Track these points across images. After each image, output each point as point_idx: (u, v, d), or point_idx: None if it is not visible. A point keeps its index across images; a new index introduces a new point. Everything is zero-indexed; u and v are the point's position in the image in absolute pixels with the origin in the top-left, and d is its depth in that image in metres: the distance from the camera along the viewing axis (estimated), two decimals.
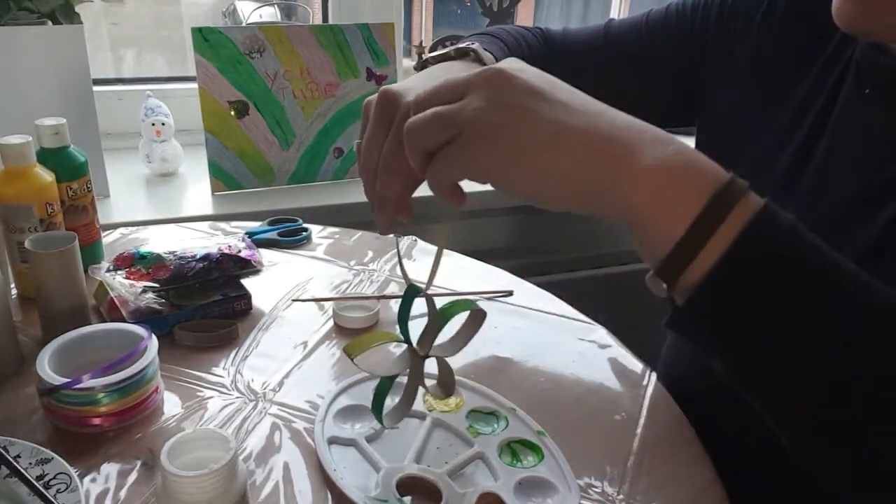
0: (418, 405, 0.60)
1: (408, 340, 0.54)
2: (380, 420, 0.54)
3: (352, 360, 0.51)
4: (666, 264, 0.41)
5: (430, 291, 0.52)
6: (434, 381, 0.57)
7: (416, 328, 0.54)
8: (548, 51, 0.79)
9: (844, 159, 0.58)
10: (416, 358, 0.54)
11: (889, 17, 0.50)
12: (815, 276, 0.40)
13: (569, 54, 0.80)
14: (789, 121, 0.64)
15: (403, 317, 0.53)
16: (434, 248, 0.93)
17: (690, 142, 0.77)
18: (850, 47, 0.61)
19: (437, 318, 0.52)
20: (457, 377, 0.64)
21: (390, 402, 0.61)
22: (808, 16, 0.65)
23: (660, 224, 0.41)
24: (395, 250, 0.92)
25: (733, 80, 0.70)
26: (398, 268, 0.52)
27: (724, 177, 0.41)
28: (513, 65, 0.44)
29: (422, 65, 0.70)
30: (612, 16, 1.77)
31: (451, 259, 0.88)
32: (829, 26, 0.63)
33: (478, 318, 0.54)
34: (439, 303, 0.53)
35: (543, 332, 0.75)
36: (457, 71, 0.65)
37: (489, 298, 0.81)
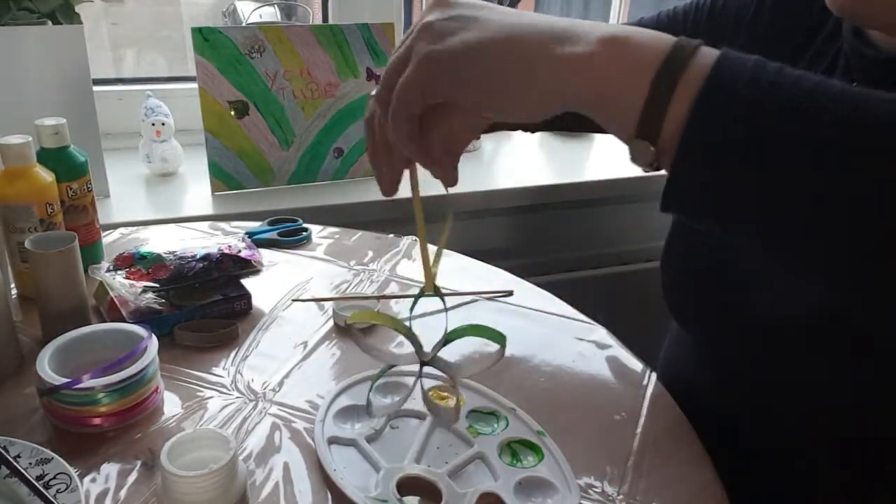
0: (418, 405, 0.60)
1: (411, 336, 0.54)
2: (369, 403, 0.55)
3: (347, 325, 0.51)
4: (641, 119, 0.40)
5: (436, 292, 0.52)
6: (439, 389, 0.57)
7: (420, 327, 0.54)
8: None
9: None
10: (418, 360, 0.55)
11: (880, 2, 0.50)
12: (797, 95, 0.37)
13: None
14: None
15: (410, 310, 0.54)
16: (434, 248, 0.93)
17: None
18: (837, 41, 0.61)
19: (447, 331, 0.53)
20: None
21: (391, 402, 0.61)
22: (795, 11, 0.66)
23: (624, 83, 0.40)
24: (397, 250, 0.92)
25: None
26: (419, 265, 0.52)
27: (670, 39, 0.40)
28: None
29: None
30: (612, 16, 1.77)
31: (452, 259, 0.88)
32: (817, 21, 0.64)
33: (498, 356, 0.53)
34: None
35: (543, 332, 0.75)
36: None
37: (489, 298, 0.81)
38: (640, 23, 0.78)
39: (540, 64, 0.41)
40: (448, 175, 0.49)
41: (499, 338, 0.52)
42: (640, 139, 0.40)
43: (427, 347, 0.55)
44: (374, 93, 0.53)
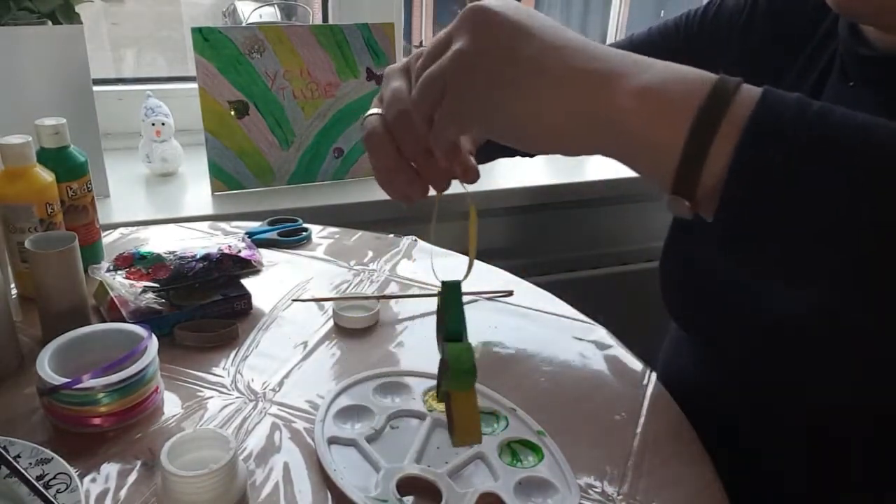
0: (418, 405, 0.60)
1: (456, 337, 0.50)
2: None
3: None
4: (677, 178, 0.39)
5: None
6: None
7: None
8: None
9: None
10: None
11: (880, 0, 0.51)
12: (839, 145, 0.37)
13: None
14: None
15: (457, 316, 0.49)
16: (433, 248, 0.93)
17: None
18: (832, 43, 0.61)
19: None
20: None
21: (390, 402, 0.61)
22: (789, 15, 0.66)
23: (658, 139, 0.39)
24: (397, 250, 0.92)
25: None
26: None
27: (712, 77, 0.39)
28: (493, 1, 0.44)
29: None
30: (611, 17, 1.76)
31: (451, 259, 0.88)
32: (811, 24, 0.64)
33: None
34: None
35: (543, 332, 0.75)
36: None
37: (489, 298, 0.81)
38: (632, 40, 0.78)
39: (578, 116, 0.40)
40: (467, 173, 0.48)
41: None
42: (677, 196, 0.40)
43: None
44: (368, 113, 0.53)
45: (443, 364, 0.49)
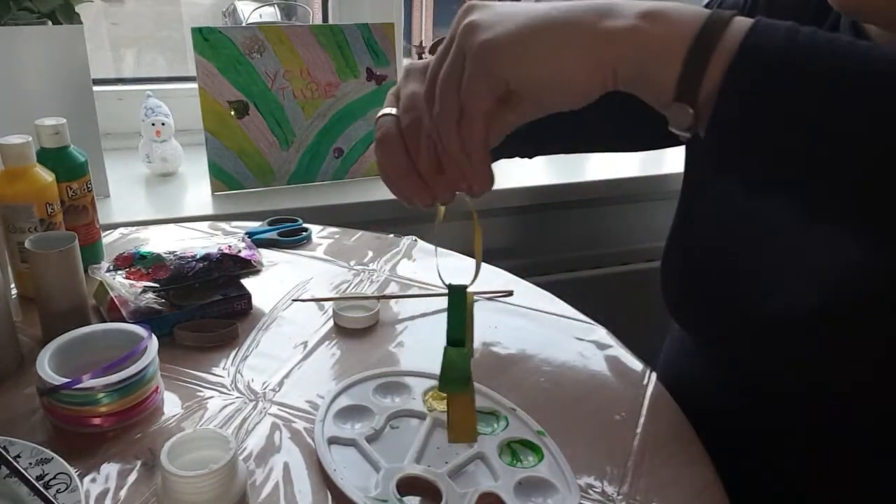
0: (418, 405, 0.60)
1: (459, 342, 0.50)
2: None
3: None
4: (679, 87, 0.41)
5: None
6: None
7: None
8: None
9: None
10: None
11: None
12: (826, 54, 0.39)
13: None
14: None
15: (459, 321, 0.50)
16: (440, 249, 0.93)
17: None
18: None
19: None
20: None
21: (391, 402, 0.61)
22: (789, 12, 0.66)
23: (663, 55, 0.42)
24: (397, 250, 0.92)
25: None
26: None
27: (705, 11, 0.42)
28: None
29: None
30: None
31: (451, 259, 0.88)
32: (812, 23, 0.64)
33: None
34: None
35: (543, 332, 0.75)
36: None
37: (489, 298, 0.81)
38: None
39: (586, 37, 0.43)
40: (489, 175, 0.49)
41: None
42: (680, 103, 0.42)
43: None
44: (383, 112, 0.53)
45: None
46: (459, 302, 0.49)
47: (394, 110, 0.53)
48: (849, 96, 0.39)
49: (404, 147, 0.50)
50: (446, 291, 0.50)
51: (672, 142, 0.81)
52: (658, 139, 0.83)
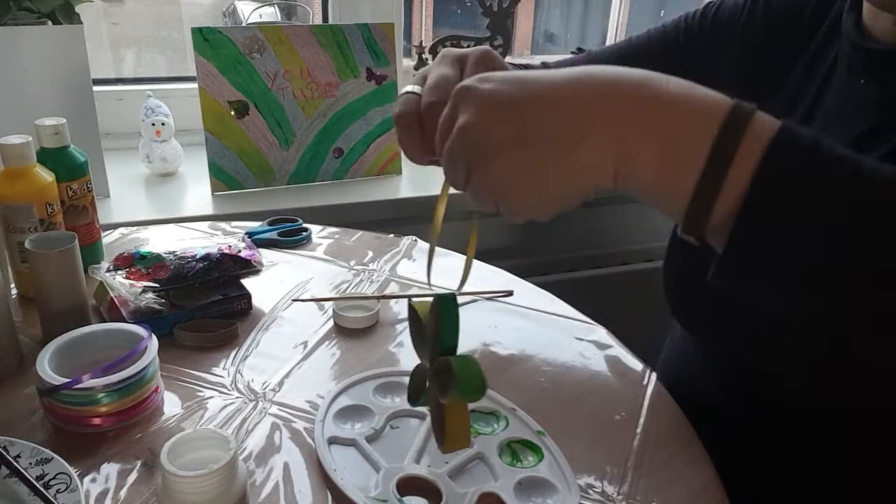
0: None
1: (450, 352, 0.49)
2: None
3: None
4: (689, 212, 0.40)
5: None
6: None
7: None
8: None
9: (838, 138, 0.59)
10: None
11: None
12: (850, 186, 0.38)
13: None
14: (778, 116, 0.64)
15: (454, 328, 0.48)
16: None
17: None
18: (837, 38, 0.61)
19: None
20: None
21: (391, 402, 0.61)
22: (790, 11, 0.66)
23: (671, 176, 0.40)
24: (397, 250, 0.92)
25: (721, 85, 0.70)
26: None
27: (726, 104, 0.40)
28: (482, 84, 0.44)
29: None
30: (611, 17, 1.76)
31: (451, 259, 0.88)
32: (813, 20, 0.64)
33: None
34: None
35: (543, 332, 0.75)
36: None
37: (489, 298, 0.81)
38: (631, 43, 0.78)
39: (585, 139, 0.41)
40: None
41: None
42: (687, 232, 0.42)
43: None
44: (407, 89, 0.55)
45: (439, 372, 0.47)
46: (451, 309, 0.47)
47: (418, 88, 0.54)
48: (874, 233, 0.37)
49: (420, 126, 0.51)
50: (447, 292, 0.49)
51: None
52: None
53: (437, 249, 0.85)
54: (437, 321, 0.47)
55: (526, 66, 0.79)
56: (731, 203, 0.38)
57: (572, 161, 0.41)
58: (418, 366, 0.51)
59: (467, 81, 0.44)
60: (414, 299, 0.50)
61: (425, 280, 0.84)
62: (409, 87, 0.55)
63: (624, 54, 0.78)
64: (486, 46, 0.59)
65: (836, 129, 0.59)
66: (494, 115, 0.42)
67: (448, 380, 0.46)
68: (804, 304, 0.42)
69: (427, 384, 0.50)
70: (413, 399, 0.52)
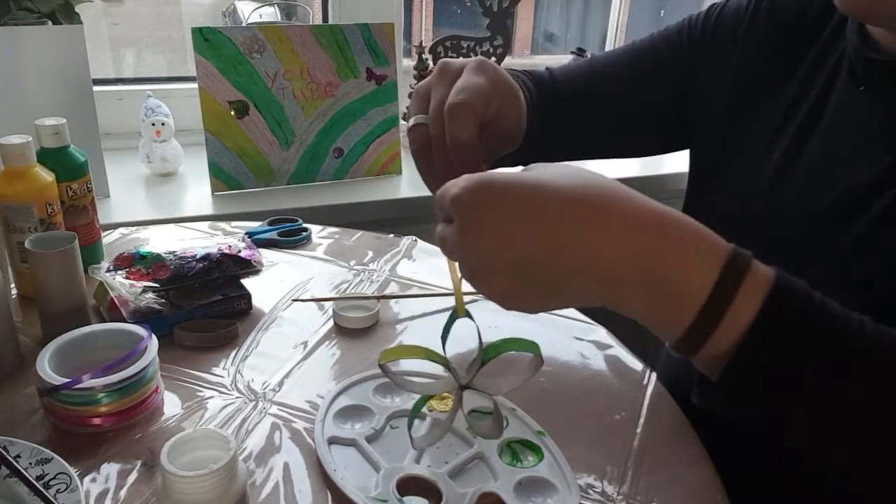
0: None
1: (446, 363, 0.51)
2: (411, 438, 0.53)
3: (381, 366, 0.50)
4: (685, 337, 0.42)
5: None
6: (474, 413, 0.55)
7: (453, 349, 0.51)
8: (539, 96, 0.78)
9: (839, 152, 0.59)
10: (456, 385, 0.51)
11: (890, 2, 0.51)
12: (837, 340, 0.41)
13: (559, 96, 0.79)
14: (781, 118, 0.64)
15: (444, 336, 0.50)
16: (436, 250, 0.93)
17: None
18: (840, 43, 0.61)
19: (482, 350, 0.50)
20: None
21: (391, 402, 0.61)
22: (791, 18, 0.66)
23: (662, 314, 0.43)
24: (397, 250, 0.92)
25: (724, 88, 0.70)
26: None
27: (727, 247, 0.42)
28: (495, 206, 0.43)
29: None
30: (611, 16, 1.76)
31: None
32: (815, 27, 0.64)
33: (535, 365, 0.50)
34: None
35: (543, 333, 0.75)
36: None
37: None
38: (634, 47, 0.78)
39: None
40: None
41: (533, 347, 0.49)
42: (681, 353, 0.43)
43: (460, 368, 0.52)
44: (415, 121, 0.56)
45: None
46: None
47: (423, 118, 0.55)
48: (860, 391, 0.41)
49: (433, 159, 0.54)
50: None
51: (668, 149, 0.81)
52: (654, 147, 0.83)
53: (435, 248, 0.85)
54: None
55: (527, 73, 0.79)
56: (725, 342, 0.41)
57: (562, 300, 0.45)
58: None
59: (464, 196, 0.42)
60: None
61: (425, 280, 0.84)
62: (417, 119, 0.56)
63: (628, 60, 0.78)
64: (480, 58, 0.59)
65: (838, 133, 0.59)
66: (490, 252, 0.42)
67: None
68: (783, 434, 0.45)
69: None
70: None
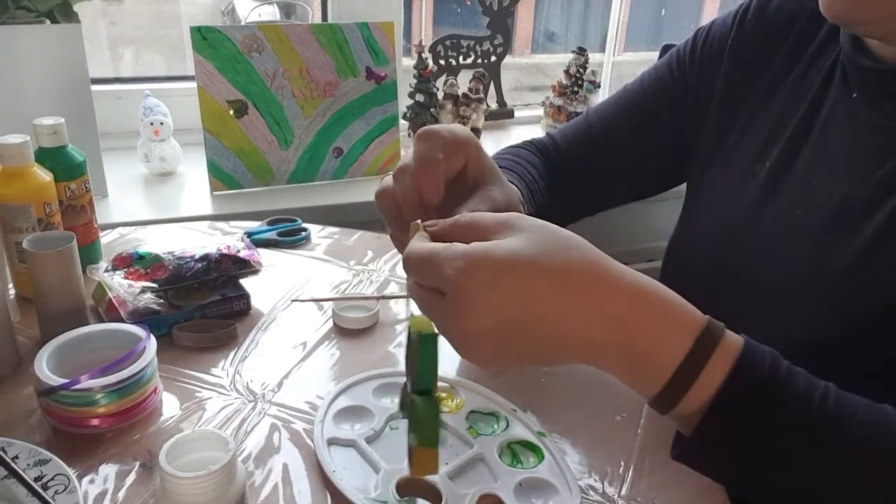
0: None
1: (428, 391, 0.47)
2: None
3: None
4: (656, 401, 0.45)
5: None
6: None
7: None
8: (547, 166, 0.79)
9: (832, 161, 0.59)
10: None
11: (875, 7, 0.50)
12: (803, 404, 0.44)
13: (566, 162, 0.80)
14: (772, 129, 0.64)
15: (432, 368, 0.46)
16: None
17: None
18: (833, 49, 0.61)
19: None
20: (457, 377, 0.64)
21: (390, 403, 0.61)
22: (778, 28, 0.66)
23: (638, 378, 0.45)
24: (394, 250, 0.92)
25: (714, 105, 0.71)
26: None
27: (702, 319, 0.44)
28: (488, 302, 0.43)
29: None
30: (611, 16, 1.76)
31: None
32: (802, 36, 0.64)
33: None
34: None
35: None
36: None
37: None
38: (627, 92, 0.79)
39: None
40: None
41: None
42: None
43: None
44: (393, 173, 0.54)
45: (409, 407, 0.46)
46: (430, 350, 0.45)
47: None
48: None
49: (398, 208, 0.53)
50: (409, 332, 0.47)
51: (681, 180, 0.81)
52: (672, 179, 0.82)
53: None
54: (416, 357, 0.45)
55: (531, 144, 0.80)
56: (695, 404, 0.43)
57: (541, 363, 0.49)
58: (405, 384, 0.50)
59: (460, 279, 0.42)
60: (414, 315, 0.48)
61: None
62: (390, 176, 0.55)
63: (622, 110, 0.78)
64: (467, 136, 0.54)
65: (830, 140, 0.59)
66: (482, 331, 0.43)
67: (411, 420, 0.45)
68: (754, 495, 0.48)
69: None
70: (402, 408, 0.51)
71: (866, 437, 0.44)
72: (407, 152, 0.55)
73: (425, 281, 0.46)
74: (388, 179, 0.55)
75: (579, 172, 0.78)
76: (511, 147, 0.82)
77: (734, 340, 0.44)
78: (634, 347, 0.43)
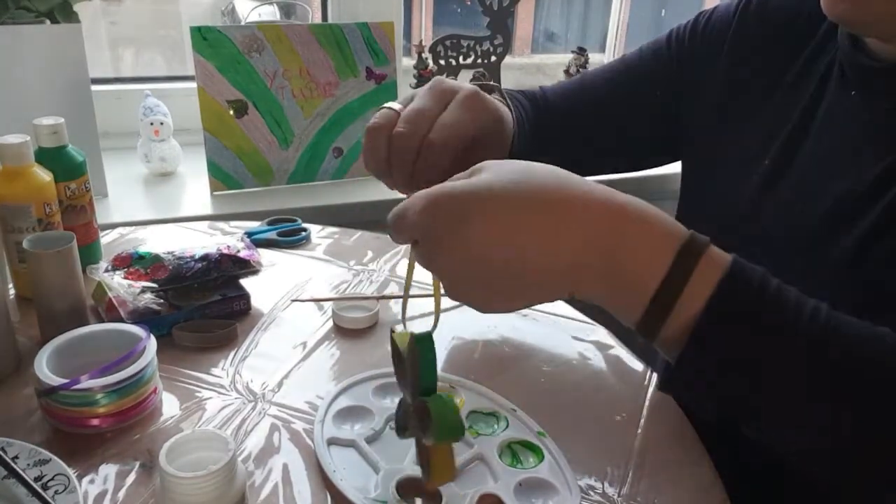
0: None
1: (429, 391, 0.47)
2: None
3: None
4: (642, 323, 0.44)
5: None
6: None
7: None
8: (536, 112, 0.78)
9: (831, 158, 0.59)
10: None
11: (878, 6, 0.50)
12: (791, 324, 0.42)
13: (552, 115, 0.79)
14: (771, 125, 0.64)
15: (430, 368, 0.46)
16: None
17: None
18: (831, 47, 0.61)
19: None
20: (457, 377, 0.64)
21: (390, 403, 0.61)
22: (782, 17, 0.66)
23: (627, 292, 0.43)
24: (397, 250, 0.92)
25: (713, 96, 0.70)
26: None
27: (684, 232, 0.43)
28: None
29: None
30: (611, 16, 1.76)
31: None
32: (803, 32, 0.64)
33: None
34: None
35: (543, 333, 0.74)
36: None
37: None
38: (624, 60, 0.79)
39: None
40: None
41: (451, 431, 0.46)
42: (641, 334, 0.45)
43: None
44: (388, 105, 0.56)
45: (418, 413, 0.46)
46: (428, 349, 0.46)
47: (398, 106, 0.54)
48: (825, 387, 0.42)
49: (388, 143, 0.54)
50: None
51: (662, 161, 0.81)
52: (649, 159, 0.83)
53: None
54: (415, 361, 0.46)
55: (521, 93, 0.79)
56: (680, 326, 0.42)
57: (535, 298, 0.45)
58: (402, 399, 0.51)
59: (421, 220, 0.43)
60: (395, 330, 0.49)
61: (425, 280, 0.84)
62: (391, 104, 0.56)
63: (617, 74, 0.78)
64: (472, 88, 0.58)
65: (829, 141, 0.59)
66: (460, 269, 0.43)
67: (427, 422, 0.45)
68: (744, 418, 0.47)
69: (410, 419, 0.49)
70: (401, 432, 0.52)
71: (859, 348, 0.43)
72: (428, 94, 0.56)
73: (402, 236, 0.46)
74: (385, 114, 0.55)
75: (565, 127, 0.78)
76: (505, 90, 0.82)
77: (720, 255, 0.43)
78: (615, 268, 0.42)
